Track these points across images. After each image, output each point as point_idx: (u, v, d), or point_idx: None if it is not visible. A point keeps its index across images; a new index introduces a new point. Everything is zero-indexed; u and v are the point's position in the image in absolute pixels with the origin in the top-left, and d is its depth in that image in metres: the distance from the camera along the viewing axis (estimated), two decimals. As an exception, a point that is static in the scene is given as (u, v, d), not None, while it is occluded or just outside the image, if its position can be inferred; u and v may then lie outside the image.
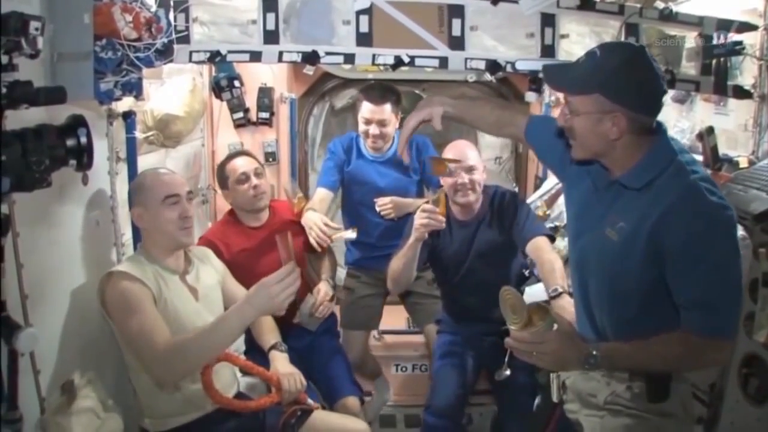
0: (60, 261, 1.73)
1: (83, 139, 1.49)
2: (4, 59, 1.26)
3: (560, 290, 2.03)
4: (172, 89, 2.53)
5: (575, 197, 1.60)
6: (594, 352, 1.35)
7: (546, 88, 2.94)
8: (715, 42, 2.09)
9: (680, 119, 2.53)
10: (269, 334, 2.19)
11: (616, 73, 1.32)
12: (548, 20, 2.08)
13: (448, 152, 2.38)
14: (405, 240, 2.30)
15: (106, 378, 1.86)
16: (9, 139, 1.28)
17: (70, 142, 1.47)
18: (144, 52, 1.80)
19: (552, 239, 2.33)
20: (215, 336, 1.64)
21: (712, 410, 1.91)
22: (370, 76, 3.37)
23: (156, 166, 2.16)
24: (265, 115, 3.29)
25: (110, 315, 1.76)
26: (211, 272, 2.08)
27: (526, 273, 2.57)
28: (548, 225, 2.72)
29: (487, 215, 2.43)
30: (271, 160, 3.38)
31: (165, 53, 1.95)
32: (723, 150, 2.21)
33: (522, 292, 2.27)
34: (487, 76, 2.19)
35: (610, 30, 2.11)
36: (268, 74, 3.29)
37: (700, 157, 2.11)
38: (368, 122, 2.68)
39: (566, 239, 2.07)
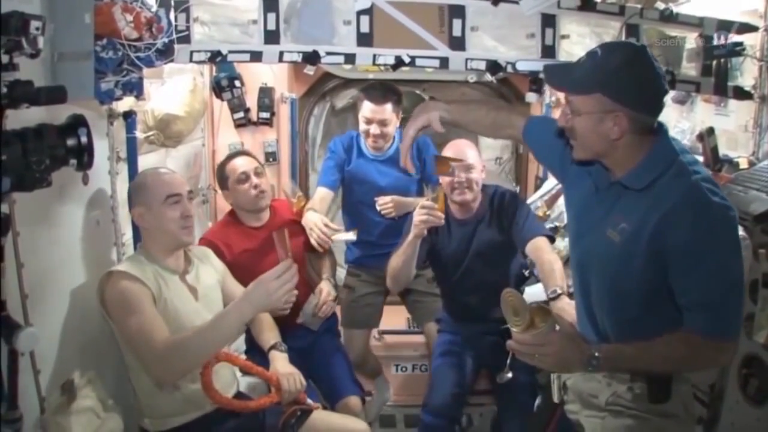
0: (60, 261, 1.73)
1: (84, 139, 1.49)
2: (5, 59, 1.26)
3: (559, 291, 2.02)
4: (172, 89, 2.53)
5: (576, 198, 1.59)
6: (596, 354, 1.35)
7: (546, 89, 2.94)
8: (715, 43, 2.09)
9: (681, 120, 2.54)
10: (269, 333, 2.19)
11: (618, 72, 1.31)
12: (549, 21, 2.08)
13: (448, 151, 2.38)
14: (404, 237, 2.30)
15: (105, 378, 1.86)
16: (9, 139, 1.28)
17: (70, 142, 1.47)
18: (144, 52, 1.80)
19: (552, 239, 2.33)
20: (214, 334, 1.64)
21: (712, 411, 1.92)
22: (370, 76, 3.36)
23: (156, 166, 2.15)
24: (265, 115, 3.29)
25: (110, 314, 1.76)
26: (210, 272, 2.08)
27: (526, 273, 2.57)
28: (548, 225, 2.72)
29: (486, 215, 2.43)
30: (271, 160, 3.37)
31: (166, 53, 1.95)
32: (723, 151, 2.21)
33: (522, 292, 2.27)
34: (488, 77, 2.18)
35: (611, 31, 2.11)
36: (268, 74, 3.29)
37: (700, 158, 2.10)
38: (369, 122, 2.68)
39: (566, 239, 2.07)
